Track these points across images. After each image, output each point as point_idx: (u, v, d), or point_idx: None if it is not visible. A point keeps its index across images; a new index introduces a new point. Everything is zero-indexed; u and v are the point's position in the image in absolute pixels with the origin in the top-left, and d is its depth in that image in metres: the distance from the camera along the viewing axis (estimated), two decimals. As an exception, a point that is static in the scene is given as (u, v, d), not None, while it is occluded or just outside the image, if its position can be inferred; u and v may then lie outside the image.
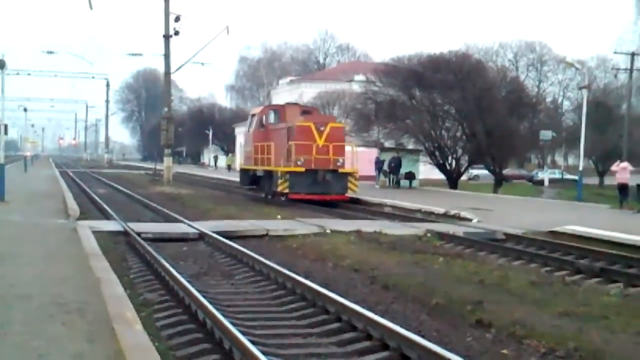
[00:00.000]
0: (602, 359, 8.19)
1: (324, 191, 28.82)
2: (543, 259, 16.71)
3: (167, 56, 48.87)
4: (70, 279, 11.41)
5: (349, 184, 29.83)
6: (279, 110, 34.77)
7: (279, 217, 24.92)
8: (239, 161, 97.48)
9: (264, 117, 34.84)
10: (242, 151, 41.06)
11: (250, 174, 36.13)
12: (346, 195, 30.02)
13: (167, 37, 47.45)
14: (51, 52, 79.62)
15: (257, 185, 35.74)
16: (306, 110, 35.74)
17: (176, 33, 47.02)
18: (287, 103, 39.91)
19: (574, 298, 12.03)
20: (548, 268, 15.72)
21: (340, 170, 29.59)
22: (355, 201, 33.41)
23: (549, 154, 70.05)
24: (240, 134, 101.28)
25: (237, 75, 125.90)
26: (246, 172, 37.31)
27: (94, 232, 18.19)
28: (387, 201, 32.22)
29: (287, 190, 28.53)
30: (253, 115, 37.26)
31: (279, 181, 28.90)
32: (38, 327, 8.07)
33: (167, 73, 50.42)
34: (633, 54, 49.13)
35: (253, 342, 7.96)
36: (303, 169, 28.34)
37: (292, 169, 28.45)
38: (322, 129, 29.47)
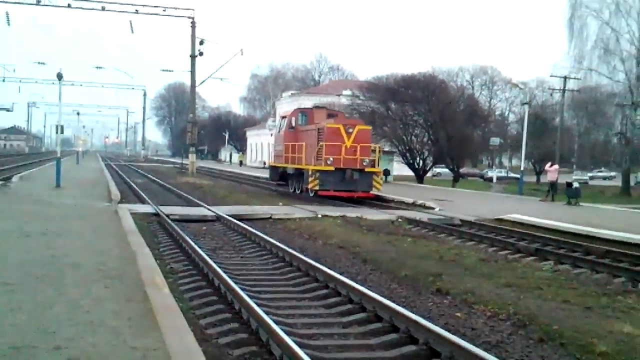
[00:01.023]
0: (535, 321, 8.23)
1: (351, 189, 26.00)
2: (490, 240, 16.77)
3: (192, 72, 49.07)
4: (111, 250, 11.43)
5: (374, 182, 26.69)
6: (308, 113, 31.34)
7: (280, 204, 24.90)
8: (252, 158, 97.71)
9: (293, 119, 31.33)
10: (271, 150, 36.59)
11: (279, 170, 32.78)
12: (370, 192, 26.91)
13: (193, 57, 47.74)
14: (100, 67, 79.66)
15: (285, 181, 32.41)
16: (332, 114, 31.92)
17: (200, 54, 47.29)
18: (315, 106, 36.11)
19: (514, 272, 12.09)
20: (494, 248, 15.79)
21: (366, 169, 26.36)
22: None
23: (497, 157, 70.16)
24: (251, 136, 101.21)
25: (249, 89, 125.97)
26: (275, 169, 33.80)
27: (131, 213, 18.17)
28: None
29: (317, 187, 25.60)
30: (283, 117, 34.16)
31: (310, 179, 25.86)
32: (85, 288, 8.10)
33: (193, 86, 50.68)
34: (565, 78, 49.21)
35: (258, 305, 8.00)
36: (332, 168, 25.46)
37: (322, 167, 25.54)
38: (350, 130, 26.34)
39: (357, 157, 25.99)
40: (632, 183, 50.06)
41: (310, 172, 26.06)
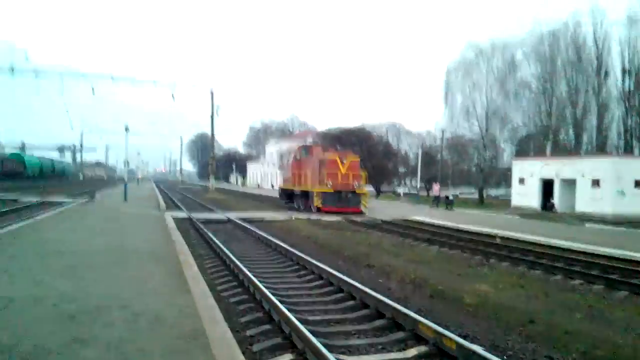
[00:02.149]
0: (428, 284, 8.30)
1: (345, 205, 22.82)
2: (399, 233, 16.84)
3: (212, 127, 48.48)
4: (159, 241, 11.23)
5: (362, 201, 23.58)
6: (308, 148, 28.01)
7: (269, 211, 24.71)
8: (251, 182, 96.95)
9: (298, 152, 28.00)
10: (281, 176, 31.55)
11: (287, 192, 28.88)
12: (360, 209, 23.45)
13: (212, 117, 47.24)
14: (153, 124, 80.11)
15: (291, 200, 28.22)
16: (326, 148, 29.08)
17: (217, 114, 47.02)
18: (314, 143, 33.25)
19: (414, 252, 12.20)
20: (402, 237, 15.88)
21: (357, 191, 23.30)
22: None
23: (403, 179, 70.56)
24: (250, 167, 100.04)
25: (248, 136, 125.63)
26: (284, 191, 29.84)
27: (172, 217, 17.86)
28: None
29: (320, 205, 22.65)
30: (290, 152, 30.99)
31: (315, 198, 22.92)
32: (141, 266, 7.95)
33: (212, 136, 49.94)
34: (443, 130, 50.05)
35: (254, 276, 7.93)
36: (332, 190, 22.62)
37: (324, 189, 22.70)
38: (344, 161, 23.38)
39: (349, 182, 23.24)
40: (484, 196, 50.93)
41: (315, 193, 23.09)
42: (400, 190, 54.59)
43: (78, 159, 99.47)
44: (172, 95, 45.47)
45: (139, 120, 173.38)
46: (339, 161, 23.39)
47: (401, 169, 57.64)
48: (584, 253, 12.21)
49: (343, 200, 22.90)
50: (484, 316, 6.56)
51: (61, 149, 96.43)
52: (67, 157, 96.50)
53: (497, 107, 47.95)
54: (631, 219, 29.13)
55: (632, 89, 45.21)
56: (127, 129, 28.49)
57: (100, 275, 7.17)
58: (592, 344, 5.38)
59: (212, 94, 46.57)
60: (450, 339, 5.00)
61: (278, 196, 31.45)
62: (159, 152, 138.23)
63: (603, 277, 9.39)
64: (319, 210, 22.85)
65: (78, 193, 34.46)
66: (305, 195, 24.94)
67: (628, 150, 44.08)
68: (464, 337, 5.47)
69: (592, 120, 48.83)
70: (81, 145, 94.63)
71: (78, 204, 22.95)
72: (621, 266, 10.44)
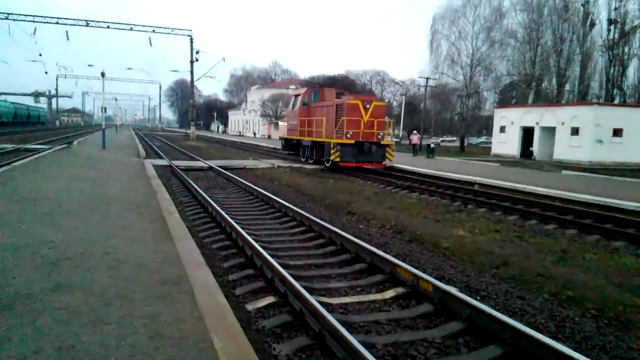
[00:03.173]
0: (407, 229, 8.47)
1: (367, 160, 19.65)
2: (380, 180, 16.97)
3: (192, 72, 47.41)
4: (140, 189, 11.13)
5: (387, 154, 20.12)
6: (319, 91, 23.69)
7: (250, 159, 24.60)
8: (231, 129, 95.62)
9: (307, 97, 23.55)
10: (285, 124, 26.23)
11: (292, 142, 25.00)
12: (383, 163, 20.25)
13: (191, 62, 45.97)
14: (130, 68, 76.96)
15: (296, 152, 24.78)
16: (340, 92, 23.98)
17: (196, 60, 45.64)
18: (325, 86, 27.55)
19: (395, 200, 12.37)
20: (383, 185, 16.05)
21: (382, 142, 19.91)
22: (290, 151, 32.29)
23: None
24: (231, 115, 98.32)
25: (229, 84, 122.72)
26: (288, 141, 25.70)
27: (153, 165, 17.65)
28: None
29: (338, 159, 19.30)
30: (297, 95, 25.09)
31: (332, 151, 19.37)
32: (122, 214, 7.89)
33: (192, 82, 48.94)
34: (427, 78, 49.53)
35: (236, 222, 7.97)
36: (352, 141, 19.31)
37: (343, 140, 19.31)
38: (367, 106, 19.64)
39: (374, 131, 19.72)
40: (466, 144, 51.36)
41: (332, 145, 19.38)
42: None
43: (54, 106, 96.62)
44: (149, 40, 44.12)
45: (116, 67, 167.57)
46: (361, 106, 19.71)
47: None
48: (560, 199, 12.52)
49: (365, 154, 19.60)
50: (459, 259, 6.76)
51: (36, 95, 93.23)
52: (43, 105, 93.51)
53: (482, 55, 47.51)
54: (607, 166, 29.88)
55: (616, 38, 45.03)
56: (103, 75, 27.57)
57: (80, 222, 7.11)
58: (562, 285, 5.62)
59: (191, 39, 45.21)
60: (426, 280, 5.16)
61: (280, 147, 27.65)
62: (138, 99, 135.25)
63: (577, 222, 9.69)
64: (334, 165, 19.89)
65: (54, 140, 33.74)
66: (317, 146, 21.73)
67: (609, 99, 44.50)
68: (440, 279, 5.65)
69: (575, 70, 48.95)
70: (56, 91, 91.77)
71: (55, 151, 22.48)
72: (595, 211, 10.75)
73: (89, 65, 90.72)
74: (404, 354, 3.90)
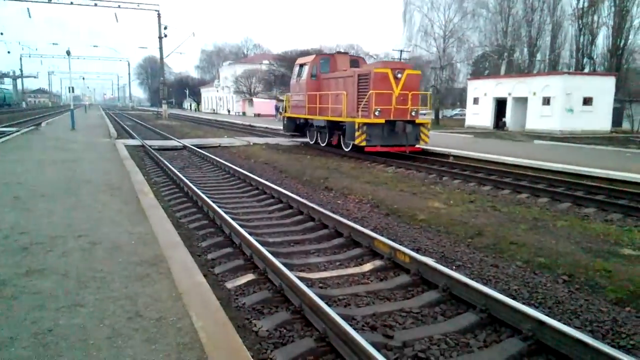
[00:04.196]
0: (384, 203, 8.55)
1: (400, 142, 15.68)
2: (358, 156, 16.79)
3: (161, 49, 46.13)
4: (113, 170, 10.89)
5: (422, 135, 16.15)
6: (330, 59, 19.16)
7: (225, 136, 24.29)
8: (205, 107, 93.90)
9: (315, 66, 19.02)
10: (288, 100, 21.58)
11: (298, 122, 20.48)
12: (417, 146, 16.30)
13: (160, 38, 44.74)
14: (96, 46, 74.85)
15: (302, 133, 20.75)
16: (355, 59, 19.57)
17: (165, 36, 44.45)
18: (337, 52, 21.83)
19: (372, 174, 12.42)
20: (359, 160, 15.97)
21: (417, 120, 16.05)
22: (265, 128, 31.95)
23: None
24: (204, 92, 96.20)
25: (200, 60, 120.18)
26: (292, 120, 20.82)
27: (125, 145, 17.25)
28: (281, 129, 30.77)
29: (364, 143, 15.50)
30: (302, 65, 20.06)
31: (356, 133, 15.45)
32: (96, 196, 7.74)
33: (161, 58, 47.60)
34: (401, 51, 49.48)
35: (213, 201, 7.91)
36: (382, 120, 15.35)
37: (371, 120, 15.35)
38: (399, 75, 15.62)
39: (407, 107, 15.79)
40: (440, 117, 51.76)
41: (357, 126, 15.37)
42: (359, 113, 54.61)
43: (19, 87, 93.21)
44: (115, 16, 42.58)
45: (82, 45, 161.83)
46: (391, 76, 15.50)
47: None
48: (532, 168, 12.78)
49: (397, 135, 15.59)
50: (435, 231, 6.88)
51: (0, 77, 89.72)
52: (8, 86, 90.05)
53: (455, 27, 47.60)
54: (578, 134, 30.59)
55: (585, 7, 45.52)
56: (68, 53, 26.71)
57: (52, 206, 6.96)
58: (534, 252, 5.78)
59: (158, 14, 43.82)
60: (404, 252, 5.24)
61: (282, 128, 22.87)
62: (107, 78, 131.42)
63: (548, 190, 9.92)
64: (358, 150, 16.26)
65: (22, 122, 32.65)
66: (333, 127, 17.82)
67: (579, 68, 45.23)
68: (416, 251, 5.75)
69: (546, 40, 49.51)
70: (21, 72, 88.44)
71: (23, 133, 21.78)
72: (566, 179, 11.02)
73: (53, 44, 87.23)
74: (382, 324, 3.97)
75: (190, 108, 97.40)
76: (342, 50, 35.42)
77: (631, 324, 4.05)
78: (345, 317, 3.75)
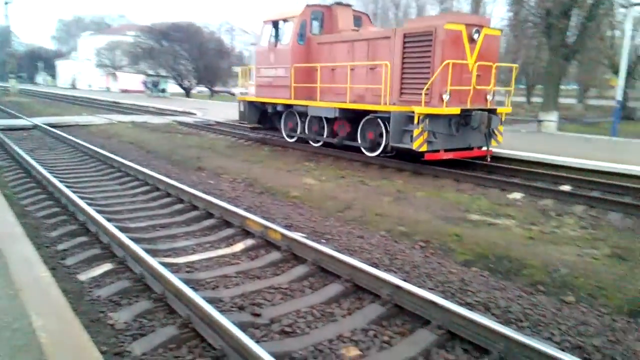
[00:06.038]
0: (258, 182, 8.53)
1: (474, 144, 9.99)
2: (233, 133, 16.61)
3: (7, 15, 40.53)
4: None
5: (495, 131, 9.98)
6: (323, 13, 12.59)
7: (84, 114, 22.16)
8: (62, 82, 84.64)
9: (304, 24, 12.15)
10: (246, 76, 15.82)
11: (267, 108, 13.68)
12: (490, 151, 10.09)
13: (6, 2, 39.11)
14: None
15: (269, 125, 14.36)
16: (357, 16, 12.80)
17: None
18: (336, 2, 12.74)
19: (248, 153, 12.31)
20: (235, 138, 15.78)
21: (498, 110, 10.02)
22: (132, 104, 29.96)
23: (239, 79, 69.46)
24: (60, 65, 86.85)
25: (57, 30, 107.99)
26: (256, 107, 14.09)
27: (-41, 126, 14.93)
28: (150, 106, 29.39)
29: (424, 147, 9.22)
30: (277, 22, 12.96)
31: (415, 132, 9.06)
32: None
33: (8, 26, 41.85)
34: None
35: (67, 186, 7.19)
36: (458, 110, 9.21)
37: (442, 110, 9.08)
38: (475, 36, 9.26)
39: (488, 88, 9.89)
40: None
41: (417, 120, 9.09)
42: (235, 90, 53.60)
43: None
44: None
45: None
46: (465, 37, 9.37)
47: (234, 69, 56.04)
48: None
49: (473, 134, 9.82)
50: (308, 207, 7.04)
51: None
52: None
53: None
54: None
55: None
56: None
57: None
58: (396, 222, 6.20)
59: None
60: (275, 230, 5.27)
61: (238, 117, 15.36)
62: None
63: (410, 163, 10.68)
64: (399, 156, 10.54)
65: None
66: (353, 120, 11.32)
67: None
68: (288, 228, 5.82)
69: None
70: None
71: None
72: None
73: None
74: (251, 303, 3.96)
75: (45, 82, 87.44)
76: (219, 24, 34.11)
77: (477, 283, 4.54)
78: (211, 300, 3.66)
